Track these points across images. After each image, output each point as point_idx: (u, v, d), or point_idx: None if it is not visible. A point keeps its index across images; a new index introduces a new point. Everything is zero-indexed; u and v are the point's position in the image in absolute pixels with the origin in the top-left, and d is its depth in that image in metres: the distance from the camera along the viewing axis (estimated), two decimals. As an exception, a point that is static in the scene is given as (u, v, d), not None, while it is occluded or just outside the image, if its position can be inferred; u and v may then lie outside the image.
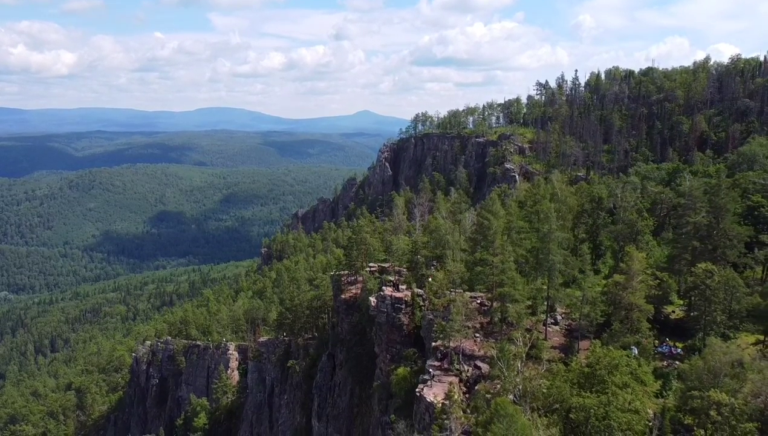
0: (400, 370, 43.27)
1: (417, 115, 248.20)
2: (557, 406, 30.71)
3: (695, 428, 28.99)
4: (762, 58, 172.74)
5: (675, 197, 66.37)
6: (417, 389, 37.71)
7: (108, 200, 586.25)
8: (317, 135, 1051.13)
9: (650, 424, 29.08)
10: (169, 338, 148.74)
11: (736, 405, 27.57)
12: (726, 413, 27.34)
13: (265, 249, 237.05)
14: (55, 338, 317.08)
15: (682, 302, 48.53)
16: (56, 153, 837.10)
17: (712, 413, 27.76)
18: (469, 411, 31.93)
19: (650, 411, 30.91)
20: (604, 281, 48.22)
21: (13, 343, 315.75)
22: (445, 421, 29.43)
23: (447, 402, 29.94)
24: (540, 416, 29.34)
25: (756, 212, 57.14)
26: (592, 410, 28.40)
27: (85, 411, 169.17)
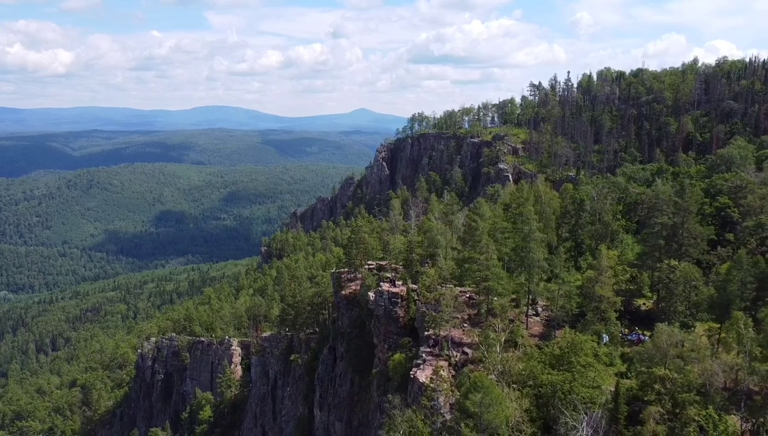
0: (397, 356, 48.25)
1: (414, 115, 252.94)
2: (530, 383, 35.59)
3: (650, 401, 33.84)
4: (747, 60, 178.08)
5: (655, 198, 71.25)
6: (411, 372, 42.71)
7: (106, 200, 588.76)
8: (315, 133, 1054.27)
9: (608, 397, 33.84)
10: (174, 334, 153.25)
11: (678, 379, 32.47)
12: (668, 386, 32.23)
13: (265, 248, 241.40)
14: (56, 336, 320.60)
15: (651, 295, 53.43)
16: (54, 152, 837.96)
17: (657, 386, 32.67)
18: (455, 389, 36.77)
19: (612, 388, 35.67)
20: (583, 276, 53.05)
21: (15, 342, 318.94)
22: (434, 393, 34.25)
23: (434, 377, 34.74)
24: (514, 390, 34.21)
25: (723, 213, 62.21)
26: (558, 386, 33.23)
27: (91, 407, 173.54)
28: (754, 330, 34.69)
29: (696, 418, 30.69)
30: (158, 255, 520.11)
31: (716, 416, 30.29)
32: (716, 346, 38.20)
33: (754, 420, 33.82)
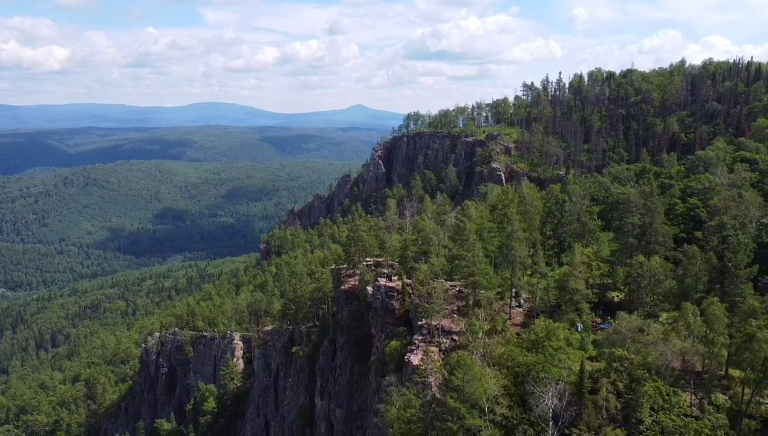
0: (393, 343, 53.64)
1: (409, 114, 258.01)
2: (509, 364, 40.91)
3: (610, 376, 39.27)
4: (732, 61, 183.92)
5: (626, 200, 76.25)
6: (406, 357, 48.10)
7: (103, 197, 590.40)
8: (311, 130, 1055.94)
9: (575, 374, 39.09)
10: (177, 329, 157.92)
11: (635, 359, 37.86)
12: (626, 364, 37.65)
13: (264, 245, 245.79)
14: (55, 333, 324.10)
15: (624, 288, 58.83)
16: (50, 150, 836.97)
17: (616, 364, 38.08)
18: (444, 370, 41.98)
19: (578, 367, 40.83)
20: (560, 271, 58.33)
21: (14, 339, 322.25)
22: (425, 372, 39.59)
23: (425, 357, 40.07)
24: (495, 370, 39.49)
25: (692, 212, 67.70)
26: (532, 366, 38.52)
27: (96, 401, 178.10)
28: (701, 318, 40.05)
29: (649, 392, 36.01)
30: (155, 252, 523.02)
31: (664, 390, 35.60)
32: (670, 332, 43.41)
33: (701, 395, 39.33)
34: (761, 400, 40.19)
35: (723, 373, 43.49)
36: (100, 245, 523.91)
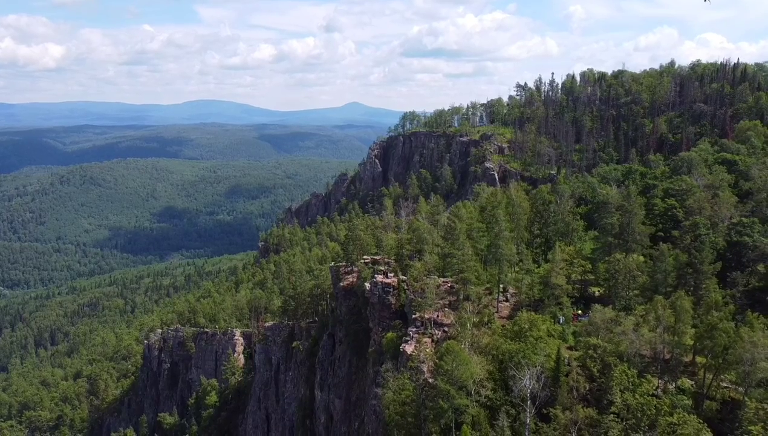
0: (389, 334, 57.86)
1: (405, 114, 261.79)
2: (494, 352, 45.08)
3: (585, 363, 43.53)
4: (719, 63, 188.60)
5: (622, 199, 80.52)
6: (401, 347, 52.25)
7: (100, 195, 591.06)
8: (308, 128, 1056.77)
9: (553, 362, 43.31)
10: (179, 326, 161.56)
11: (607, 347, 42.14)
12: (599, 352, 41.95)
13: (263, 243, 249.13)
14: (54, 331, 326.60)
15: (604, 283, 63.05)
16: (46, 148, 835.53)
17: (590, 352, 42.38)
18: (436, 358, 46.11)
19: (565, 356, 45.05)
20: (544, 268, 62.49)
21: (13, 337, 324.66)
22: (417, 359, 43.77)
23: (418, 346, 44.28)
24: (481, 358, 43.72)
25: (670, 213, 72.07)
26: (515, 353, 42.67)
27: (98, 396, 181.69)
28: (670, 311, 44.32)
29: (616, 375, 40.21)
30: (153, 250, 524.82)
31: (630, 373, 39.82)
32: (642, 323, 47.67)
33: (666, 379, 43.67)
34: (721, 384, 44.62)
35: (690, 360, 47.87)
36: (97, 244, 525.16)
